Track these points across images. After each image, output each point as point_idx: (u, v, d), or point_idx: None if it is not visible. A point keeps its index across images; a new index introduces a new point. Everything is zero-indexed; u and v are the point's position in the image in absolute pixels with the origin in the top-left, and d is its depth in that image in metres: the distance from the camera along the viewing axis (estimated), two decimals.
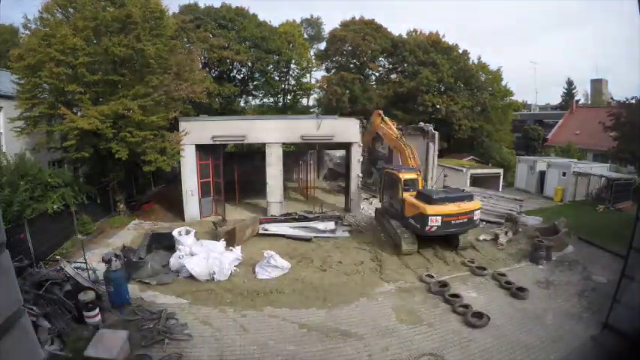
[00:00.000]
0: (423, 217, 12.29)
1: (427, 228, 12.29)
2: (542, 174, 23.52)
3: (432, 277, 11.05)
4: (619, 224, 14.83)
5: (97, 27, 13.78)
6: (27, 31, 14.73)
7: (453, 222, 12.44)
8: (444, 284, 10.47)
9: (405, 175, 14.23)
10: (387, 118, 18.70)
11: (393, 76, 34.36)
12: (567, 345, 7.69)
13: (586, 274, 11.62)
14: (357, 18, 33.81)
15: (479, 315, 8.92)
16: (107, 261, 9.77)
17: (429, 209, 12.24)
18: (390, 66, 34.88)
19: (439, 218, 12.23)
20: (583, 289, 10.64)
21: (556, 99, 52.37)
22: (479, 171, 23.41)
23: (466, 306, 9.40)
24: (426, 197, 12.81)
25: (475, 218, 12.91)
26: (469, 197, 13.20)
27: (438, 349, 7.87)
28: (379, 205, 17.41)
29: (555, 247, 13.05)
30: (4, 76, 16.99)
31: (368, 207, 19.26)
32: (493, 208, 17.51)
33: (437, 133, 20.49)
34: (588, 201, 20.68)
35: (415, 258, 12.78)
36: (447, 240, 13.33)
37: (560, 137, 33.09)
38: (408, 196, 13.54)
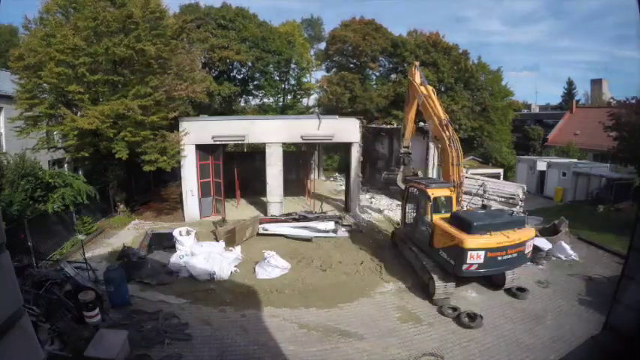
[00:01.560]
0: (459, 252, 9.08)
1: (465, 267, 9.07)
2: (542, 174, 23.52)
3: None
4: (619, 224, 14.83)
5: (98, 27, 13.79)
6: (27, 32, 14.75)
7: (499, 258, 9.19)
8: (447, 296, 10.34)
9: (436, 192, 10.88)
10: (429, 87, 13.13)
11: (393, 76, 34.35)
12: (567, 345, 7.69)
13: (586, 274, 11.63)
14: (358, 18, 33.86)
15: (472, 316, 8.89)
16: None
17: (469, 241, 8.97)
18: (391, 66, 34.88)
19: (482, 254, 8.96)
20: (583, 289, 10.64)
21: (556, 99, 52.40)
22: (479, 171, 23.40)
23: (454, 308, 9.32)
24: (463, 223, 9.51)
25: (527, 251, 9.78)
26: (520, 223, 9.95)
27: (438, 349, 7.87)
28: (385, 210, 17.13)
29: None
30: (4, 76, 17.00)
31: (369, 207, 19.26)
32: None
33: None
34: (588, 201, 20.69)
35: None
36: (487, 278, 10.49)
37: (560, 137, 33.08)
38: (440, 221, 10.32)
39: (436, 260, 10.36)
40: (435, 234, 10.41)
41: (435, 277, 9.85)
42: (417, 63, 15.08)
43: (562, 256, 12.72)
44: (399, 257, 12.73)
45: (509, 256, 9.36)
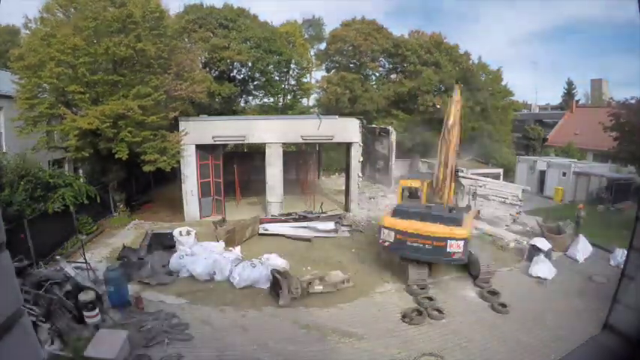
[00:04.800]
0: (379, 228, 11.19)
1: (380, 241, 11.13)
2: (542, 174, 23.54)
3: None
4: (619, 224, 14.83)
5: (98, 27, 13.78)
6: (27, 31, 14.74)
7: (409, 243, 10.37)
8: (423, 287, 10.38)
9: (405, 183, 13.03)
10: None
11: (394, 76, 34.35)
12: (567, 345, 7.69)
13: (586, 274, 11.63)
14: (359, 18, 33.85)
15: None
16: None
17: (386, 221, 10.96)
18: (391, 66, 34.89)
19: (392, 233, 10.60)
20: (583, 289, 10.64)
21: (556, 99, 52.39)
22: (479, 171, 23.40)
23: (430, 298, 9.78)
24: (396, 208, 11.42)
25: (449, 250, 10.02)
26: (452, 220, 10.36)
27: (438, 349, 7.87)
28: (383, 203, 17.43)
29: (556, 247, 13.07)
30: (4, 76, 16.99)
31: (369, 206, 19.24)
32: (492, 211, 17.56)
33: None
34: (588, 201, 20.71)
35: None
36: (464, 267, 11.42)
37: (560, 137, 33.09)
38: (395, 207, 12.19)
39: None
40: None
41: (409, 265, 10.68)
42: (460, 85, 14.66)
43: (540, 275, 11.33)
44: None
45: (421, 245, 10.23)
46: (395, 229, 10.58)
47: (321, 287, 10.25)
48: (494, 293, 10.15)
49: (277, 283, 9.89)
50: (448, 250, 10.04)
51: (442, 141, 12.10)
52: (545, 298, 10.14)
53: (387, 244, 10.87)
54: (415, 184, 12.66)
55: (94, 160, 15.81)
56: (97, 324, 7.95)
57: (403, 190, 13.13)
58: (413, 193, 12.80)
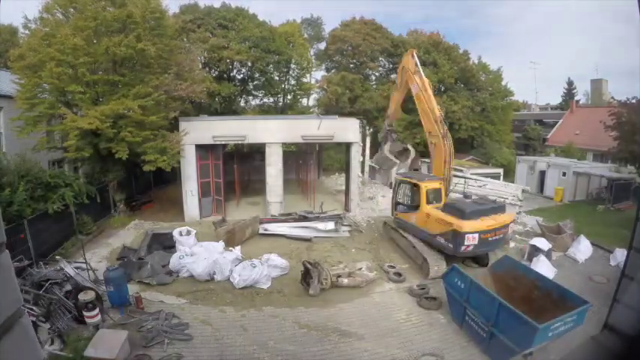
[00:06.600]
0: (457, 236, 10.30)
1: (463, 248, 10.33)
2: (542, 174, 23.55)
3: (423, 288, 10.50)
4: (619, 224, 14.83)
5: (98, 27, 13.78)
6: (27, 31, 14.74)
7: (490, 239, 10.53)
8: (422, 287, 10.44)
9: (428, 185, 12.11)
10: (425, 80, 13.01)
11: (393, 76, 34.36)
12: (567, 345, 7.68)
13: (586, 274, 11.62)
14: (358, 18, 33.89)
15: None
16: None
17: (465, 226, 10.27)
18: (390, 66, 34.92)
19: (476, 236, 10.27)
20: (583, 289, 10.61)
21: (556, 99, 52.43)
22: (479, 171, 23.40)
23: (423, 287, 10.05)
24: (457, 211, 10.75)
25: (509, 233, 11.36)
26: (502, 208, 11.40)
27: (438, 349, 7.87)
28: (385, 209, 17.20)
29: (556, 247, 13.06)
30: (4, 76, 16.98)
31: (371, 206, 19.23)
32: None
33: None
34: (588, 201, 20.71)
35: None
36: (475, 259, 11.69)
37: (560, 137, 33.10)
38: (434, 210, 11.57)
39: (433, 245, 11.57)
40: (430, 222, 11.55)
41: (428, 259, 11.16)
42: (415, 50, 14.82)
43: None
44: (393, 243, 13.93)
45: (497, 237, 10.83)
46: (479, 230, 10.34)
47: (346, 281, 10.56)
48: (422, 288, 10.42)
49: (308, 273, 10.20)
50: (509, 233, 11.21)
51: (441, 138, 12.24)
52: None
53: (471, 248, 10.40)
54: (435, 185, 12.24)
55: (94, 160, 15.81)
56: (97, 324, 7.96)
57: (408, 190, 12.98)
58: (411, 194, 12.85)
